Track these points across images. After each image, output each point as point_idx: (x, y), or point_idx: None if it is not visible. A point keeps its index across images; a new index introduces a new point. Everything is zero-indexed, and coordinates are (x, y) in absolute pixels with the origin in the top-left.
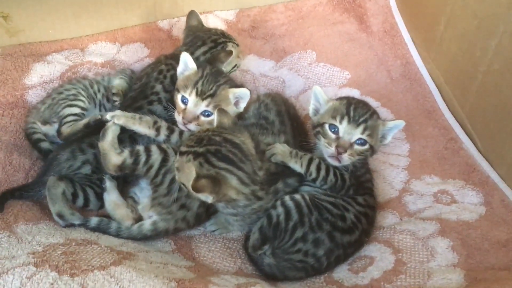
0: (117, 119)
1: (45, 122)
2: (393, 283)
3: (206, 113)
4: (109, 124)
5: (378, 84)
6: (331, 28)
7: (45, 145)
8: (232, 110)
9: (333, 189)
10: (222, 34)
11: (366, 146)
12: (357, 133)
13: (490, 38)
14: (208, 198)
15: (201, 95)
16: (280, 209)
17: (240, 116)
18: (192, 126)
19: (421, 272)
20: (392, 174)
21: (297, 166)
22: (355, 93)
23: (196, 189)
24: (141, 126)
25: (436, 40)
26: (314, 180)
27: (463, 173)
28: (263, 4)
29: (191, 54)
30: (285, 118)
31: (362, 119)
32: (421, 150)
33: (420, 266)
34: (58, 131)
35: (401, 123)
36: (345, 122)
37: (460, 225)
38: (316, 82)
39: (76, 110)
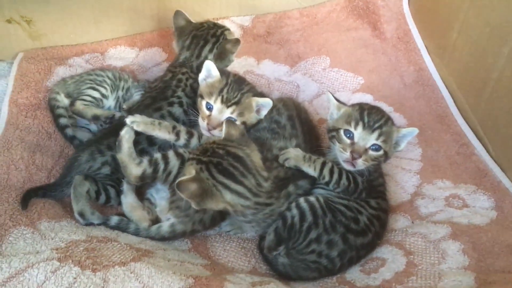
0: (136, 125)
1: (68, 96)
2: (404, 284)
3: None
4: (122, 133)
5: (391, 90)
6: (345, 34)
7: (63, 121)
8: (254, 117)
9: (346, 192)
10: (215, 24)
11: (381, 152)
12: (372, 139)
13: (503, 45)
14: (191, 202)
15: (226, 103)
16: (294, 211)
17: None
18: (217, 132)
19: (432, 274)
20: (404, 178)
21: (311, 170)
22: (368, 98)
23: (180, 187)
24: (161, 131)
25: (449, 46)
26: (327, 184)
27: (475, 178)
28: (278, 10)
29: (199, 56)
30: (296, 122)
31: (377, 125)
32: (433, 155)
33: (431, 268)
34: (72, 102)
35: (414, 130)
36: (360, 128)
37: (471, 228)
38: (329, 87)
39: (96, 94)
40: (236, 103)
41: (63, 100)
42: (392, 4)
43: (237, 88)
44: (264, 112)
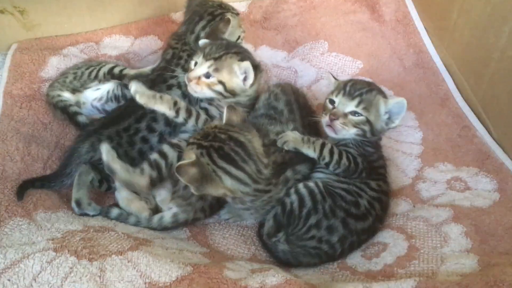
0: (139, 96)
1: (74, 91)
2: (406, 268)
3: (207, 75)
4: (104, 158)
5: (390, 73)
6: (343, 18)
7: (82, 119)
8: (236, 82)
9: (346, 172)
10: (219, 5)
11: (361, 118)
12: (351, 105)
13: (504, 24)
14: (190, 187)
15: (206, 57)
16: (293, 197)
17: (252, 107)
18: (193, 85)
19: (434, 257)
20: (405, 162)
21: (310, 151)
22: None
23: (179, 171)
24: (162, 105)
25: (449, 28)
26: (327, 165)
27: (477, 160)
28: None
29: (192, 31)
30: (294, 107)
31: (357, 92)
32: (434, 138)
33: (433, 252)
34: (118, 77)
35: (402, 101)
36: (340, 95)
37: (474, 211)
38: (328, 72)
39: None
40: (215, 58)
41: (70, 97)
42: None
43: (224, 47)
44: (248, 82)
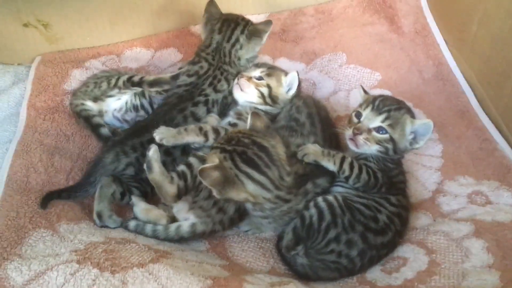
0: (166, 141)
1: (95, 99)
2: (427, 284)
3: (259, 78)
4: (150, 154)
5: (409, 85)
6: (361, 29)
7: (104, 131)
8: (281, 91)
9: (366, 187)
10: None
11: (386, 136)
12: (377, 121)
13: None
14: (213, 190)
15: (257, 65)
16: (313, 210)
17: (273, 118)
18: (242, 81)
19: (456, 273)
20: (425, 175)
21: (330, 165)
22: (386, 94)
23: (202, 174)
24: (190, 136)
25: (469, 40)
26: (347, 178)
27: (498, 174)
28: (293, 7)
29: (229, 39)
30: (316, 120)
31: (386, 108)
32: (454, 150)
33: (455, 267)
34: (138, 84)
35: (429, 123)
36: (368, 109)
37: (495, 226)
38: (346, 84)
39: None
40: (269, 67)
41: (93, 106)
42: None
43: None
44: (291, 92)
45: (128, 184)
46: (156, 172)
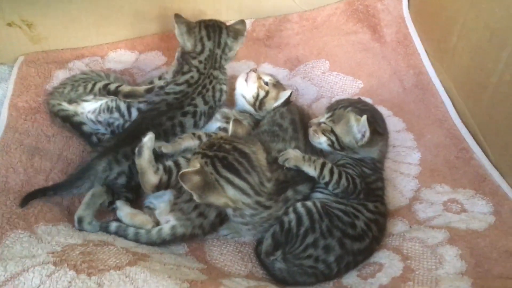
0: (164, 148)
1: (71, 102)
2: None
3: (265, 82)
4: (145, 140)
5: (390, 93)
6: (344, 37)
7: (87, 128)
8: (270, 103)
9: (345, 193)
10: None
11: (328, 127)
12: (324, 117)
13: (502, 50)
14: (193, 194)
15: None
16: (292, 215)
17: (257, 123)
18: (253, 78)
19: (429, 279)
20: (402, 182)
21: (311, 170)
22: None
23: (183, 178)
24: (186, 142)
25: (449, 51)
26: (327, 184)
27: (474, 183)
28: (278, 13)
29: (219, 44)
30: (298, 127)
31: (334, 107)
32: (432, 159)
33: (428, 274)
34: (113, 93)
35: (363, 117)
36: (327, 109)
37: (469, 234)
38: (329, 91)
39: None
40: (275, 79)
41: (69, 108)
42: (392, 8)
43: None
44: (277, 103)
45: (119, 193)
46: (144, 158)
